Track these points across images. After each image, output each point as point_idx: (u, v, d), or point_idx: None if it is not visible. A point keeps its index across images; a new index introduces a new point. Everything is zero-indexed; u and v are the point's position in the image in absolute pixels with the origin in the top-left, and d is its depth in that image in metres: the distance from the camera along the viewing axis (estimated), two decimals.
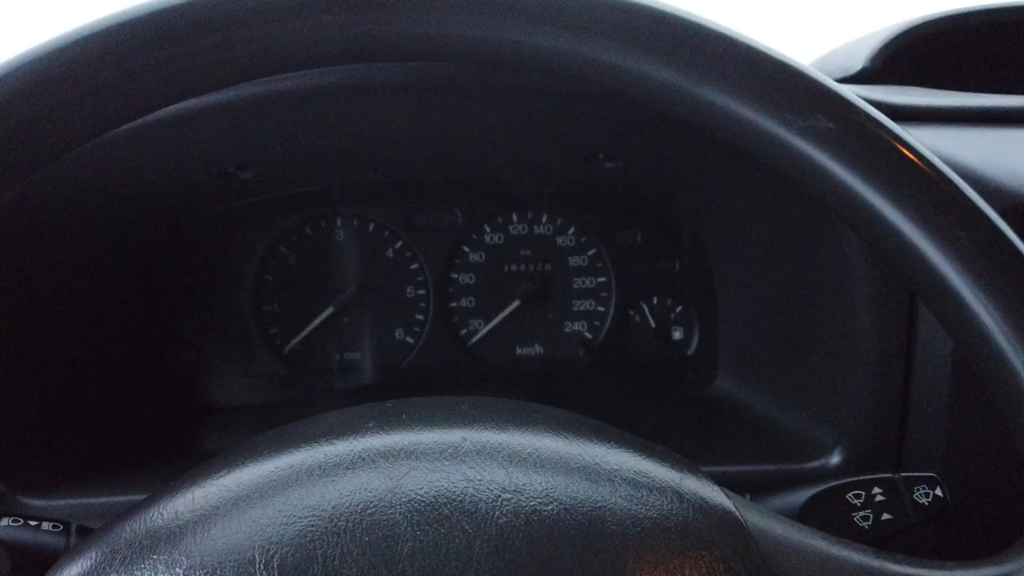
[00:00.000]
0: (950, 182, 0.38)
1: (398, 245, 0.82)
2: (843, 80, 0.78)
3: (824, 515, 0.50)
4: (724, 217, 0.76)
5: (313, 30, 0.36)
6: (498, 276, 0.83)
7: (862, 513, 0.49)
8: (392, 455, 0.34)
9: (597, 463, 0.36)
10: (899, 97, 0.62)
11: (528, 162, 0.73)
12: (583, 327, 0.85)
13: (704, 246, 0.81)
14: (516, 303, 0.83)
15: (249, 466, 0.35)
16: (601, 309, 0.84)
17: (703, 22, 0.36)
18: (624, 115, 0.60)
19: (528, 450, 0.36)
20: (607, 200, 0.83)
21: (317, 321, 0.80)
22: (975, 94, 0.67)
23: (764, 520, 0.36)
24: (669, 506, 0.34)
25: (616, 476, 0.35)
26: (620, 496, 0.34)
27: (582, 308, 0.84)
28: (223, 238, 0.80)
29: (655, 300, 0.84)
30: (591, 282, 0.84)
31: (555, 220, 0.84)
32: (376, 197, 0.81)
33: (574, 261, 0.84)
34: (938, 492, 0.49)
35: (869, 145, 0.37)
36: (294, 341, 0.81)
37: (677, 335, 0.85)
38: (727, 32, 0.36)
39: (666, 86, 0.37)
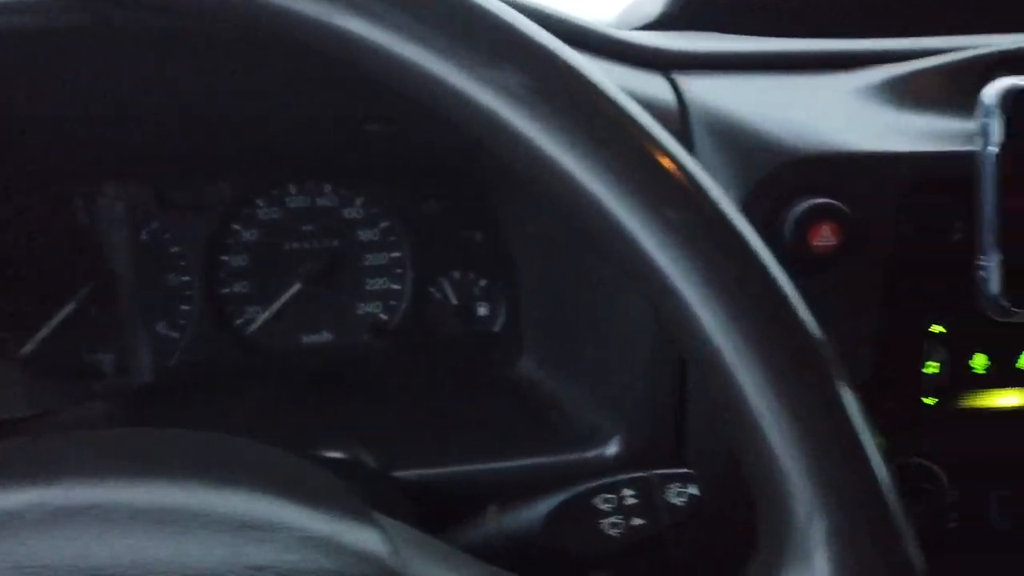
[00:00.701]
0: (665, 150, 0.30)
1: (153, 226, 0.71)
2: (644, 27, 0.71)
3: (570, 526, 0.44)
4: (514, 188, 0.69)
5: None
6: (277, 256, 0.74)
7: (612, 519, 0.43)
8: None
9: (220, 514, 0.27)
10: (674, 42, 0.55)
11: (290, 128, 0.64)
12: (377, 308, 0.76)
13: (504, 218, 0.74)
14: (297, 285, 0.73)
15: None
16: (396, 287, 0.76)
17: None
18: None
19: (123, 512, 0.27)
20: (399, 166, 0.74)
21: (55, 320, 0.69)
22: (763, 38, 0.61)
23: (428, 568, 0.29)
24: (313, 565, 0.26)
25: (241, 534, 0.27)
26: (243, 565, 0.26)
27: (375, 287, 0.76)
28: None
29: (456, 275, 0.77)
30: (384, 258, 0.76)
31: (340, 190, 0.74)
32: (123, 172, 0.70)
33: (364, 235, 0.75)
34: (693, 490, 0.43)
35: (568, 104, 0.29)
36: (29, 344, 0.69)
37: (482, 311, 0.77)
38: None
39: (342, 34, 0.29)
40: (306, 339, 0.75)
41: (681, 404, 0.53)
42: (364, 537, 0.28)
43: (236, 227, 0.73)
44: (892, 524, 0.28)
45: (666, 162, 0.29)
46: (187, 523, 0.27)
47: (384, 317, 0.76)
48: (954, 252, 0.49)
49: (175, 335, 0.72)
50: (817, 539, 0.27)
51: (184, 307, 0.72)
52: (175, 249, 0.72)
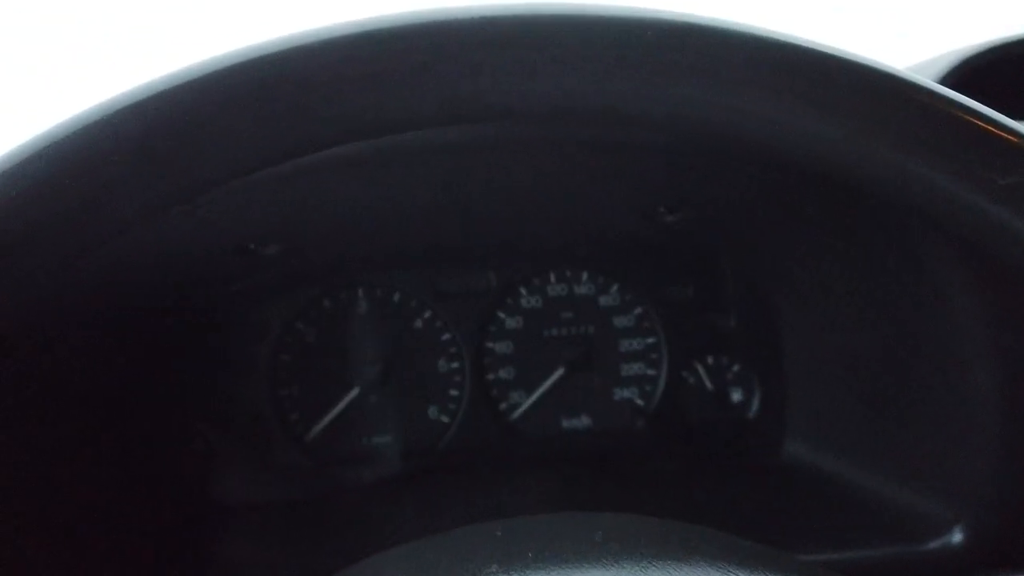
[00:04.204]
0: None
1: (426, 315, 0.75)
2: None
3: None
4: (791, 267, 0.70)
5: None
6: (538, 343, 0.76)
7: None
8: None
9: None
10: None
11: (575, 221, 0.66)
12: (634, 393, 0.77)
13: (765, 300, 0.74)
14: (560, 371, 0.75)
15: None
16: (652, 372, 0.77)
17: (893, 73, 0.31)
18: (694, 162, 0.53)
19: None
20: (653, 253, 0.76)
21: (342, 404, 0.72)
22: None
23: None
24: None
25: None
26: None
27: (632, 372, 0.77)
28: (234, 317, 0.72)
29: (710, 360, 0.77)
30: (640, 343, 0.77)
31: (596, 278, 0.77)
32: (399, 264, 0.74)
33: (620, 322, 0.77)
34: None
35: None
36: (316, 427, 0.72)
37: (736, 396, 0.77)
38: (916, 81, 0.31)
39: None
40: (566, 424, 0.76)
41: None
42: None
43: (501, 315, 0.76)
44: None
45: None
46: None
47: (640, 402, 0.77)
48: None
49: (445, 419, 0.74)
50: None
51: (453, 392, 0.75)
52: (446, 336, 0.75)
